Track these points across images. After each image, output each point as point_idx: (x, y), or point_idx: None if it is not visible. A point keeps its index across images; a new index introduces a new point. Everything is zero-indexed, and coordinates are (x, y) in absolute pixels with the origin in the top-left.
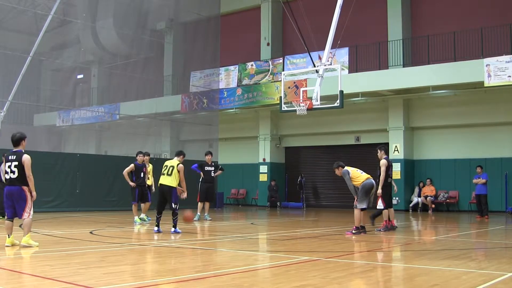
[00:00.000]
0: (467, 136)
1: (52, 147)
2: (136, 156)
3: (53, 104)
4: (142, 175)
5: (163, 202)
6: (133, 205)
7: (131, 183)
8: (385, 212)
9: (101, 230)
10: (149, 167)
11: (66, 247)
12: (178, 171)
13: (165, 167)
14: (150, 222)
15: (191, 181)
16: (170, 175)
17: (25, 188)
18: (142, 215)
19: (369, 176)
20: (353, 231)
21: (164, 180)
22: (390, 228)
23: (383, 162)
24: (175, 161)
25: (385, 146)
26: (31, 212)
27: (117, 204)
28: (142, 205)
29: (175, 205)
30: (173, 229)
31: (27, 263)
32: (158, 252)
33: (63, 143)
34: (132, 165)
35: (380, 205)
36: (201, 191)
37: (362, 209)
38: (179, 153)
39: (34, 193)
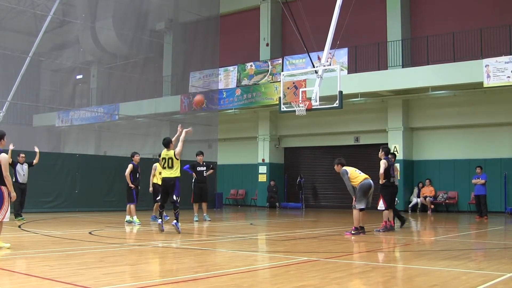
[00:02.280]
0: (466, 137)
1: (51, 147)
2: (132, 156)
3: (52, 104)
4: (138, 175)
5: (167, 195)
6: (132, 206)
7: (132, 185)
8: (385, 212)
9: (100, 230)
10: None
11: (65, 247)
12: (177, 158)
13: (163, 160)
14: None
15: (184, 181)
16: (172, 167)
17: (3, 188)
18: (127, 217)
19: (367, 176)
20: (352, 232)
21: (167, 173)
22: (389, 228)
23: (383, 162)
24: (170, 152)
25: (387, 147)
26: (6, 214)
27: (117, 205)
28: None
29: (177, 198)
30: (174, 221)
31: (26, 263)
32: (157, 253)
33: (63, 143)
34: (131, 166)
35: (381, 206)
36: (195, 192)
37: (360, 209)
38: (168, 144)
39: (13, 194)
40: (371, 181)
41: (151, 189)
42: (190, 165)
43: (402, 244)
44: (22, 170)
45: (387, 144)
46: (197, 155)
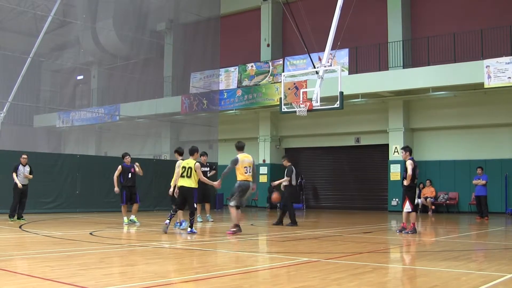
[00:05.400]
0: (467, 137)
1: (52, 148)
2: (123, 158)
3: (53, 105)
4: (130, 175)
5: (184, 202)
6: (122, 207)
7: (116, 188)
8: (413, 214)
9: (101, 231)
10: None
11: (66, 248)
12: (195, 171)
13: (183, 169)
14: (139, 225)
15: None
16: (190, 177)
17: None
18: (132, 217)
19: (248, 177)
20: (233, 230)
21: (185, 182)
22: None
23: (409, 162)
24: (191, 161)
25: (409, 147)
26: None
27: (117, 205)
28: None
29: (196, 206)
30: (189, 229)
31: (27, 264)
32: (158, 253)
33: (63, 144)
34: (120, 167)
35: (407, 207)
36: (198, 193)
37: (236, 207)
38: (193, 151)
39: None
40: (250, 183)
41: (176, 190)
42: None
43: (403, 244)
44: (24, 172)
45: (386, 145)
46: (201, 155)
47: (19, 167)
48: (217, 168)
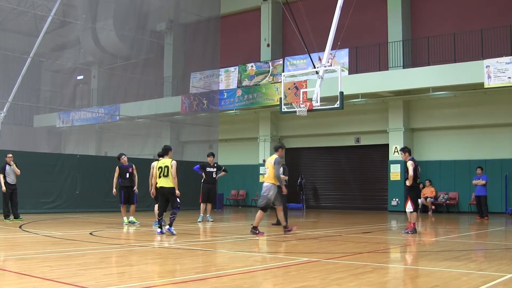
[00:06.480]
0: (467, 138)
1: (52, 148)
2: (119, 159)
3: (53, 105)
4: (127, 176)
5: (166, 203)
6: (121, 207)
7: (114, 190)
8: (414, 214)
9: (101, 231)
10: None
11: (65, 248)
12: (172, 166)
13: (160, 169)
14: (139, 225)
15: (193, 182)
16: (167, 176)
17: None
18: (131, 218)
19: (264, 178)
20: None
21: (163, 182)
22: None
23: (410, 163)
24: (167, 160)
25: (407, 147)
26: None
27: (117, 205)
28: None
29: (179, 205)
30: (167, 227)
31: (27, 264)
32: (158, 253)
33: (63, 144)
34: (117, 168)
35: (409, 207)
36: (202, 192)
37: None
38: (167, 150)
39: None
40: (264, 183)
41: (153, 191)
42: (200, 165)
43: (403, 245)
44: (11, 171)
45: (386, 145)
46: (208, 156)
47: (6, 167)
48: (226, 170)
